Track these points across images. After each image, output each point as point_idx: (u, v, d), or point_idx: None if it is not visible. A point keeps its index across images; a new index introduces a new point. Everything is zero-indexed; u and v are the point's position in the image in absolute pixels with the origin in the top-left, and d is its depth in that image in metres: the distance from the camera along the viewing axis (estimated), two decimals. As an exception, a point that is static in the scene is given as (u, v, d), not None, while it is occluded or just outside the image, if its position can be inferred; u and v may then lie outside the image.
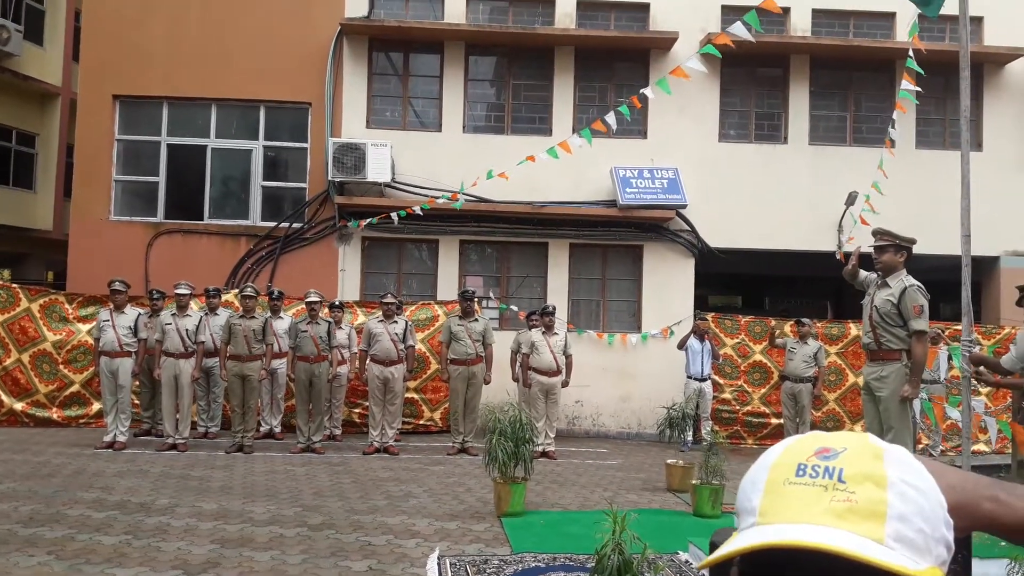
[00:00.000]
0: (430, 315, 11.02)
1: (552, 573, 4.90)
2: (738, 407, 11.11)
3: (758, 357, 11.19)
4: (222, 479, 7.39)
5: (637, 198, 11.48)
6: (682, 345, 10.61)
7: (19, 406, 10.18)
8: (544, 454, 9.28)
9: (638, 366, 11.68)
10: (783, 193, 11.99)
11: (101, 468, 7.68)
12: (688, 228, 11.88)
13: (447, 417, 9.96)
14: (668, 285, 11.89)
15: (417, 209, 10.49)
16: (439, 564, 5.00)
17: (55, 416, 10.26)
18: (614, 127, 8.33)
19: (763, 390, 11.09)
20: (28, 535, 5.29)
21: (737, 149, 12.16)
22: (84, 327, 10.36)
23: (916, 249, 10.33)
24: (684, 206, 11.63)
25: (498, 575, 4.82)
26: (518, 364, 9.69)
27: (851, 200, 11.34)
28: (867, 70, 12.37)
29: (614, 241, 11.95)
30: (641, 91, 8.33)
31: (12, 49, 16.70)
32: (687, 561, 5.25)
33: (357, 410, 10.46)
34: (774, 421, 10.96)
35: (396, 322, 9.27)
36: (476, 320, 9.49)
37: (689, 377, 10.44)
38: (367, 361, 9.23)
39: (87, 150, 11.88)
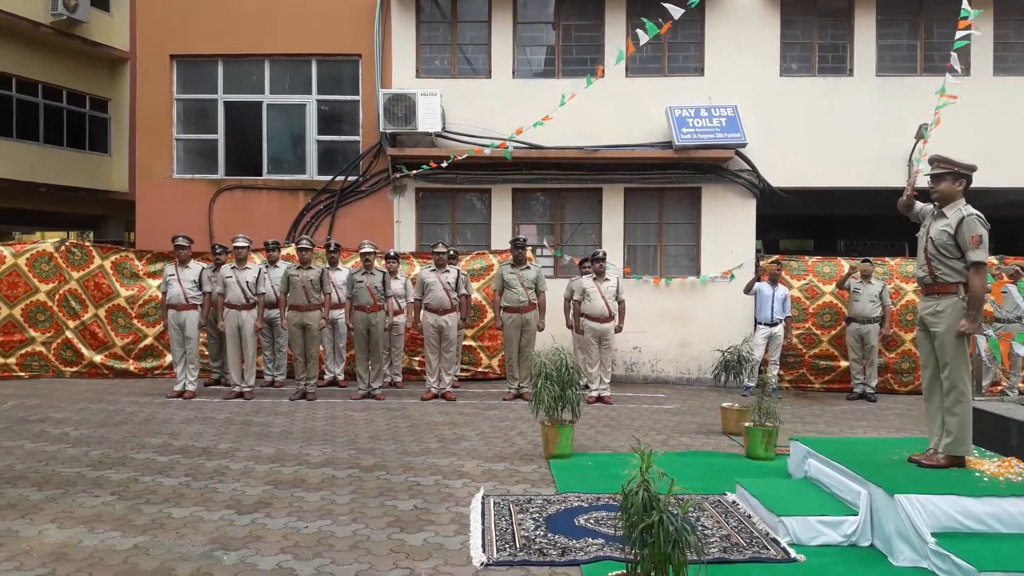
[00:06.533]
0: (485, 264, 11.06)
1: (595, 512, 4.93)
2: (805, 350, 10.83)
3: (828, 298, 10.86)
4: (283, 425, 7.66)
5: (694, 138, 11.15)
6: (749, 289, 10.37)
7: (98, 358, 10.73)
8: (599, 399, 9.29)
9: (698, 311, 11.50)
10: (849, 128, 11.45)
11: (170, 415, 8.07)
12: (748, 168, 11.50)
13: (504, 364, 10.04)
14: (728, 227, 11.59)
15: (461, 156, 10.45)
16: (483, 503, 5.08)
17: (132, 367, 10.78)
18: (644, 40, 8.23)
19: (833, 332, 10.77)
20: (95, 477, 5.62)
21: (799, 83, 11.63)
22: (154, 282, 10.79)
23: (997, 183, 9.83)
24: (744, 145, 11.25)
25: (541, 514, 4.88)
26: (571, 311, 9.68)
27: (921, 133, 10.77)
28: (940, -8, 11.62)
29: (670, 184, 11.67)
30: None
31: (80, 16, 17.22)
32: (734, 502, 5.21)
33: (417, 358, 10.64)
34: (843, 364, 10.67)
35: (448, 271, 9.34)
36: (528, 268, 9.47)
37: (759, 323, 10.21)
38: (421, 310, 9.35)
39: (148, 110, 12.21)
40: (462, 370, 10.63)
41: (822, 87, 11.62)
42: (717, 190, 11.63)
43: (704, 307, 11.47)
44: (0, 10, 15.92)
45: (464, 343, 10.62)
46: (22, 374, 10.53)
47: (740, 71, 11.53)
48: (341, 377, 10.29)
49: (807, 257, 11.50)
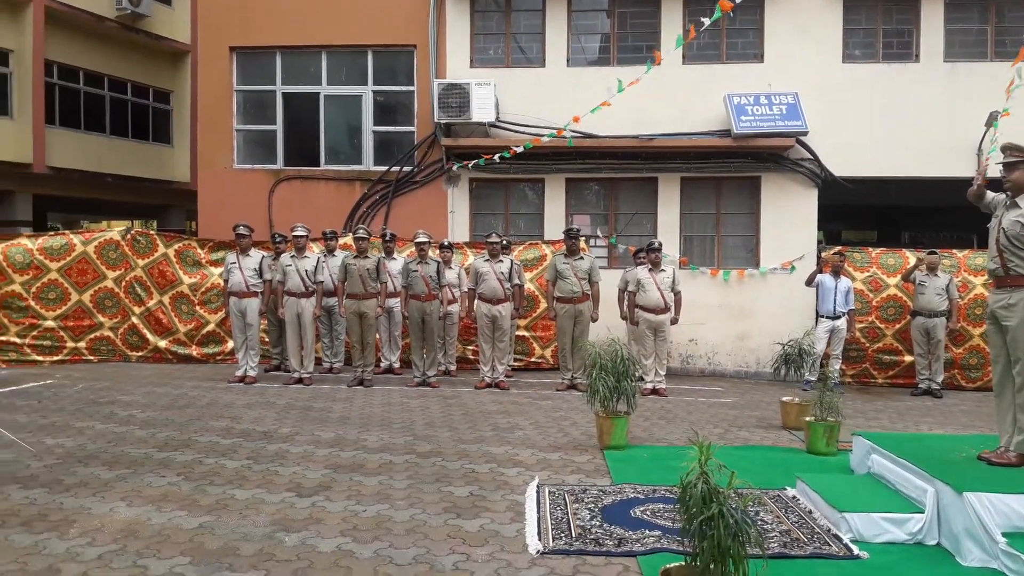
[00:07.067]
0: (538, 255, 11.05)
1: (651, 504, 4.90)
2: (868, 344, 10.57)
3: (892, 291, 10.57)
4: (341, 410, 7.79)
5: (753, 126, 10.95)
6: (811, 281, 10.17)
7: (163, 344, 11.06)
8: (654, 391, 9.21)
9: (757, 303, 11.31)
10: (915, 116, 11.11)
11: (232, 400, 8.27)
12: (810, 156, 11.25)
13: (557, 354, 10.02)
14: (788, 217, 11.36)
15: (519, 148, 10.47)
16: (538, 492, 5.09)
17: (194, 353, 11.08)
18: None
19: (897, 326, 10.48)
20: (162, 458, 5.80)
21: (863, 70, 11.32)
22: (216, 270, 11.07)
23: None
24: (805, 133, 11.00)
25: (596, 504, 4.86)
26: (625, 302, 9.61)
27: (991, 120, 10.35)
28: (1013, -27, 11.16)
29: (729, 173, 11.49)
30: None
31: (143, 10, 17.70)
32: (794, 497, 5.11)
33: (470, 347, 10.70)
34: (907, 359, 10.38)
35: (502, 261, 9.35)
36: (582, 258, 9.41)
37: (821, 316, 10.00)
38: (475, 300, 9.39)
39: (209, 102, 12.48)
40: (515, 360, 10.65)
41: (887, 74, 11.28)
42: (777, 179, 11.40)
43: (763, 299, 11.28)
44: (68, 5, 16.46)
45: (517, 333, 10.64)
46: (91, 358, 10.91)
47: (801, 58, 11.27)
48: (397, 365, 10.41)
49: (871, 249, 11.22)
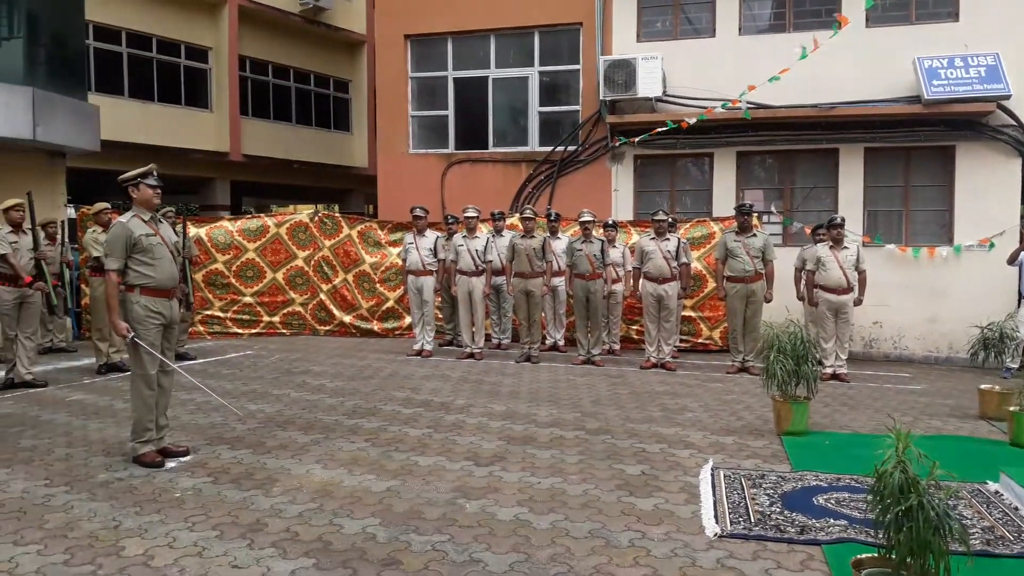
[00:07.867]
0: (705, 232, 10.75)
1: (835, 492, 4.69)
2: (1079, 329, 9.51)
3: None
4: (511, 385, 8.01)
5: (947, 91, 10.06)
6: (1013, 260, 9.28)
7: (347, 319, 11.81)
8: (835, 376, 8.74)
9: (949, 283, 10.46)
10: None
11: (411, 372, 8.72)
12: (1013, 123, 10.20)
13: (726, 336, 9.76)
14: (987, 190, 10.38)
15: (691, 121, 10.19)
16: (712, 474, 5.00)
17: (375, 327, 11.76)
18: None
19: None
20: (351, 425, 6.22)
21: (1082, 22, 10.10)
22: (394, 250, 11.65)
23: None
24: (1007, 97, 9.97)
25: (775, 490, 4.72)
26: (803, 282, 9.18)
27: None
28: None
29: (919, 142, 10.64)
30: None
31: (324, 3, 18.80)
32: (997, 492, 4.72)
33: (635, 327, 10.64)
34: None
35: (668, 239, 9.19)
36: (754, 235, 9.05)
37: (1023, 296, 9.12)
38: (640, 279, 9.31)
39: (387, 90, 13.09)
40: (681, 341, 10.47)
41: (1112, 25, 10.00)
42: (974, 148, 10.44)
43: (957, 279, 10.41)
44: (257, 2, 17.78)
45: (683, 313, 10.45)
46: (284, 331, 11.85)
47: (1003, 14, 10.23)
48: (561, 342, 10.54)
49: (1086, 223, 10.05)
